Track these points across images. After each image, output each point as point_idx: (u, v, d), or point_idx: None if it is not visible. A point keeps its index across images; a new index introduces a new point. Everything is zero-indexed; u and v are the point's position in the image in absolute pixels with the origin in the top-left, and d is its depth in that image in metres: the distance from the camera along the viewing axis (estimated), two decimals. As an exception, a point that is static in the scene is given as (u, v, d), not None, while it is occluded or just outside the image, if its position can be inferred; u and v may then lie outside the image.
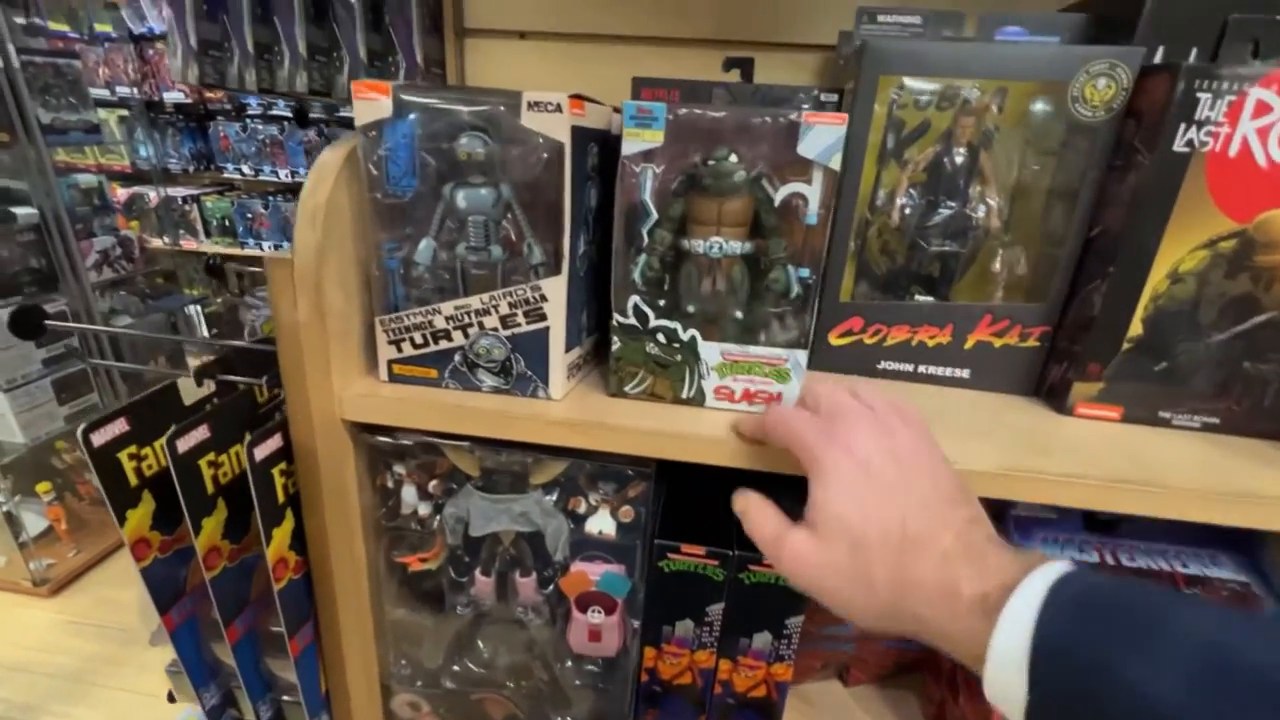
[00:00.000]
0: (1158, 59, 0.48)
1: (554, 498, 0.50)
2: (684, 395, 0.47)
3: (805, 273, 0.43)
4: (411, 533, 0.52)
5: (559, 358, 0.46)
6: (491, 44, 0.75)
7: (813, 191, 0.41)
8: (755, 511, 0.38)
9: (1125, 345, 0.48)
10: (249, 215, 3.27)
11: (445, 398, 0.47)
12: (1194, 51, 0.48)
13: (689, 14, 0.70)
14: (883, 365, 0.56)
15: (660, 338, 0.46)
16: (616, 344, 0.47)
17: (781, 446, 0.39)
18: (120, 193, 3.08)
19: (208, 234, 3.35)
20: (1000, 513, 0.55)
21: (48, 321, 0.60)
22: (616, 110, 0.50)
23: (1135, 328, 0.47)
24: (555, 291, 0.44)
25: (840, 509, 0.34)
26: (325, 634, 0.55)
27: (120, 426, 0.49)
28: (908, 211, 0.54)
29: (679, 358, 0.46)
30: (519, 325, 0.45)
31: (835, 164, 0.40)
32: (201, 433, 0.48)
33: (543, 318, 0.45)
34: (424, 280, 0.47)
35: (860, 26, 0.56)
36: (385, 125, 0.42)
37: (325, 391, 0.45)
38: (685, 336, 0.45)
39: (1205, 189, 0.43)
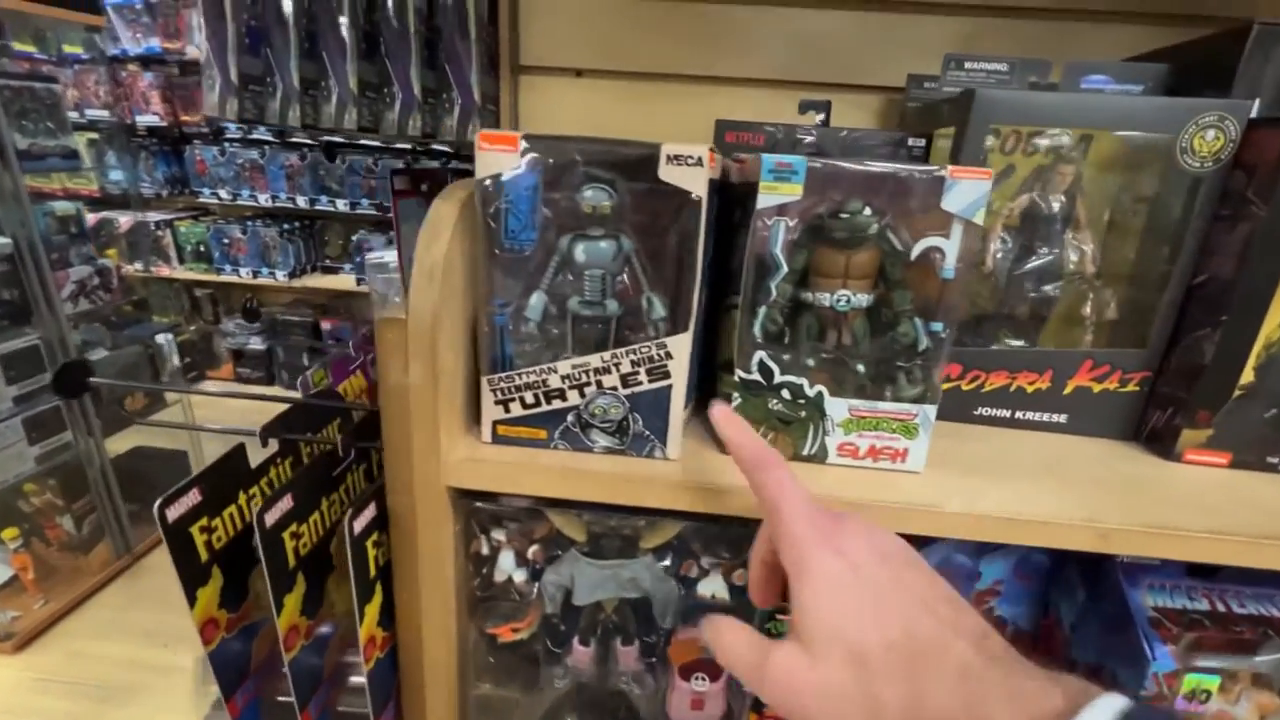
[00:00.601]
0: (1253, 112, 0.49)
1: (667, 562, 0.47)
2: (805, 452, 0.45)
3: (939, 326, 0.42)
4: (506, 602, 0.49)
5: (678, 416, 0.44)
6: (547, 81, 0.73)
7: (950, 245, 0.41)
8: (726, 635, 0.31)
9: (1237, 392, 0.48)
10: (226, 241, 3.16)
11: (558, 460, 0.44)
12: (1289, 104, 0.49)
13: (753, 54, 0.70)
14: (980, 411, 0.55)
15: (785, 394, 0.44)
16: (737, 400, 0.45)
17: (766, 514, 0.33)
18: (89, 218, 2.95)
19: (181, 260, 3.23)
20: (1099, 559, 0.55)
21: (91, 380, 0.56)
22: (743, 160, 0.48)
23: (1247, 375, 0.47)
24: (681, 348, 0.42)
25: (831, 616, 0.28)
26: (407, 714, 0.50)
27: (193, 498, 0.44)
28: (999, 257, 0.54)
29: (803, 414, 0.44)
30: (640, 384, 0.43)
31: (979, 218, 0.40)
32: (286, 503, 0.45)
33: (666, 375, 0.42)
34: (532, 336, 0.44)
35: (947, 73, 0.56)
36: (506, 178, 0.40)
37: (431, 457, 0.42)
38: (811, 392, 0.44)
39: (1321, 240, 0.44)
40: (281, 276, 3.15)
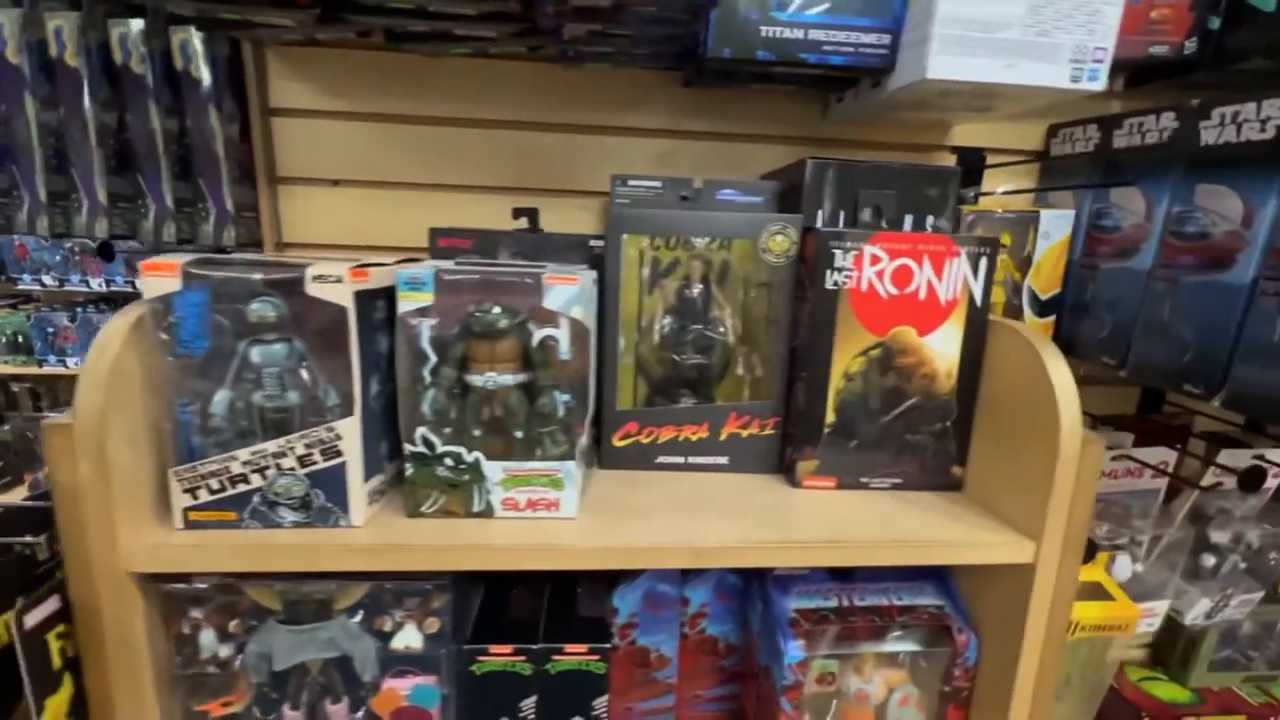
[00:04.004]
0: (820, 221, 0.66)
1: (359, 619, 0.53)
2: (475, 509, 0.54)
3: (566, 397, 0.53)
4: (212, 678, 0.52)
5: (358, 488, 0.51)
6: (307, 190, 0.82)
7: (562, 334, 0.52)
8: None
9: (826, 429, 0.62)
10: (50, 329, 2.90)
11: (245, 538, 0.50)
12: (842, 214, 0.66)
13: (484, 166, 0.82)
14: (659, 460, 0.66)
15: (448, 461, 0.53)
16: (410, 469, 0.53)
17: None
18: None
19: (-8, 353, 2.92)
20: (758, 573, 0.66)
21: None
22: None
23: (830, 416, 0.62)
24: (349, 430, 0.50)
25: None
26: (112, 806, 0.51)
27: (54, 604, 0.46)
28: (666, 332, 0.67)
29: (467, 477, 0.53)
30: (316, 463, 0.50)
31: (577, 314, 0.51)
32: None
33: (339, 454, 0.50)
34: (221, 429, 0.50)
35: (616, 188, 0.70)
36: (175, 296, 0.47)
37: (109, 548, 0.46)
38: (470, 459, 0.53)
39: (852, 313, 0.59)
40: (117, 365, 2.92)
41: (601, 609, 0.64)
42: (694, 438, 0.66)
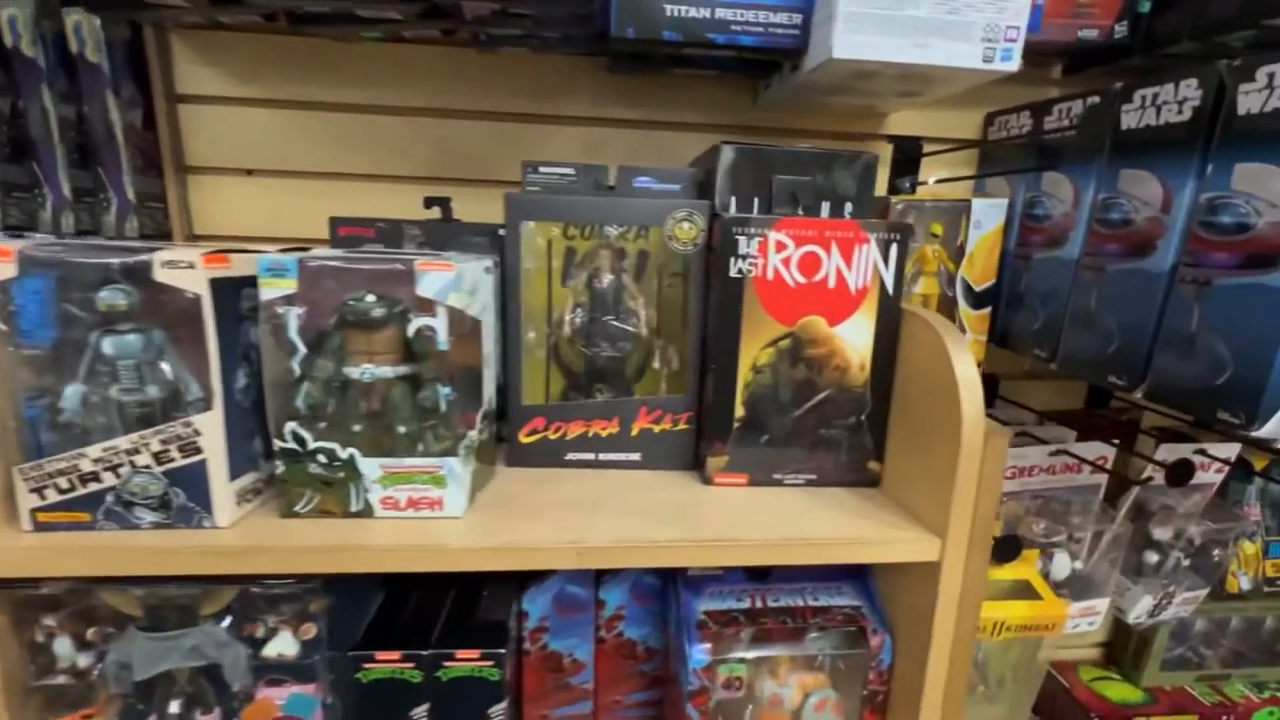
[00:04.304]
0: (733, 209, 0.64)
1: (227, 625, 0.50)
2: (353, 509, 0.51)
3: (447, 390, 0.50)
4: (70, 688, 0.49)
5: (222, 487, 0.48)
6: (218, 180, 0.79)
7: (439, 323, 0.49)
8: None
9: (735, 424, 0.60)
10: None
11: (99, 540, 0.47)
12: (757, 201, 0.64)
13: (404, 155, 0.80)
14: (569, 456, 0.64)
15: (321, 458, 0.50)
16: (281, 467, 0.50)
17: None
18: None
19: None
20: (674, 573, 0.64)
21: None
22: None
23: (739, 409, 0.59)
24: (209, 425, 0.47)
25: None
26: (-39, 827, 0.48)
27: None
28: (578, 324, 0.65)
29: (342, 475, 0.50)
30: (174, 460, 0.47)
31: (454, 301, 0.49)
32: None
33: (198, 451, 0.47)
34: (74, 425, 0.47)
35: (527, 175, 0.67)
36: (13, 283, 0.44)
37: (-58, 551, 0.43)
38: (344, 455, 0.50)
39: (759, 303, 0.57)
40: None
41: (506, 612, 0.61)
42: (604, 434, 0.63)
